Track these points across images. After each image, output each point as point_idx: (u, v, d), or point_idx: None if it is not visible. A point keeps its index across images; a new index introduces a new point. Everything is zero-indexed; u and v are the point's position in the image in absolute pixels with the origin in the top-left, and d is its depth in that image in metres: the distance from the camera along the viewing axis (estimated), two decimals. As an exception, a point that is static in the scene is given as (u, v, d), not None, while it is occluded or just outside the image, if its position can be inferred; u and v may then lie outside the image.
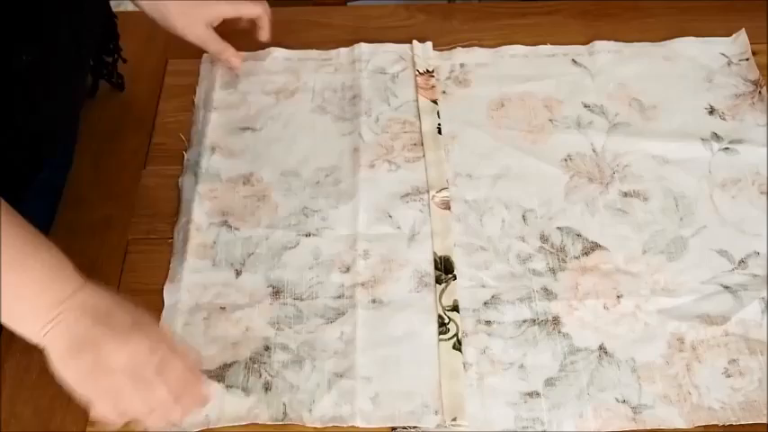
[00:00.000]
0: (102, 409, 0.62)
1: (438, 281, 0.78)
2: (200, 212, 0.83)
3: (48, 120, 0.75)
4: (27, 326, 0.61)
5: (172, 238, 0.82)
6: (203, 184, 0.86)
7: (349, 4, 1.30)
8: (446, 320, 0.76)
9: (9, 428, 0.70)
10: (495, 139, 0.90)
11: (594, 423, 0.70)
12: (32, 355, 0.73)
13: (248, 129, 0.91)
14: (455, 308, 0.76)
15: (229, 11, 0.90)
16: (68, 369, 0.60)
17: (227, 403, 0.71)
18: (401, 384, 0.72)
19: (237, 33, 1.01)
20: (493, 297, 0.78)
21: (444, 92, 0.95)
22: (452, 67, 0.98)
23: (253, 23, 0.93)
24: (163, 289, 0.78)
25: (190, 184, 0.86)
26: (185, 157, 0.89)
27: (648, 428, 0.69)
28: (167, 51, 0.99)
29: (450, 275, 0.79)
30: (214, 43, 0.91)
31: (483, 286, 0.78)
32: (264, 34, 0.93)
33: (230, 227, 0.82)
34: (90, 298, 0.61)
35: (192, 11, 0.87)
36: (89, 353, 0.60)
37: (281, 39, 1.00)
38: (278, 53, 0.98)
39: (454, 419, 0.70)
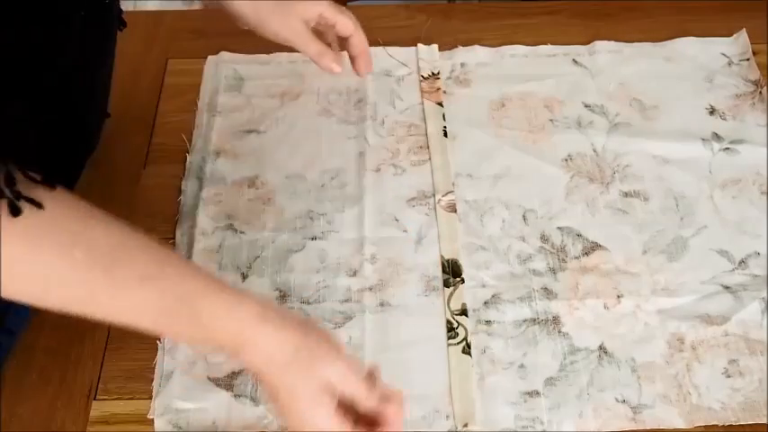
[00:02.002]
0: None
1: (446, 284, 0.78)
2: (204, 217, 0.83)
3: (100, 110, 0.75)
4: (227, 336, 0.58)
5: (173, 238, 0.82)
6: (208, 188, 0.86)
7: (349, 4, 1.30)
8: (455, 325, 0.76)
9: (9, 428, 0.70)
10: (496, 139, 0.90)
11: (594, 423, 0.70)
12: (32, 354, 0.74)
13: (253, 131, 0.91)
14: (463, 311, 0.76)
15: (329, 11, 0.80)
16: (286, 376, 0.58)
17: (235, 412, 0.71)
18: (412, 389, 0.71)
19: (237, 33, 1.01)
20: (493, 297, 0.78)
21: (445, 92, 0.95)
22: (453, 67, 0.98)
23: (342, 43, 0.84)
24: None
25: (193, 188, 0.86)
26: (188, 160, 0.89)
27: (648, 428, 0.70)
28: (167, 51, 1.00)
29: (458, 279, 0.79)
30: (313, 44, 0.80)
31: (483, 286, 0.79)
32: (364, 65, 0.83)
33: (236, 230, 0.83)
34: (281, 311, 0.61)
35: (288, 8, 0.79)
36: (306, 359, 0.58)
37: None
38: (282, 55, 0.98)
39: (465, 425, 0.70)
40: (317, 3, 0.80)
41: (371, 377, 0.60)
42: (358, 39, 0.83)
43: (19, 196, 0.52)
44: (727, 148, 0.89)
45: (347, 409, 0.59)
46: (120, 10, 0.85)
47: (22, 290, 0.56)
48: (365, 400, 0.59)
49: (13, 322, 0.74)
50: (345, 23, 0.82)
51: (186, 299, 0.57)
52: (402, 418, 0.60)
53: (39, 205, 0.53)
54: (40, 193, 0.54)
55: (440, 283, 0.79)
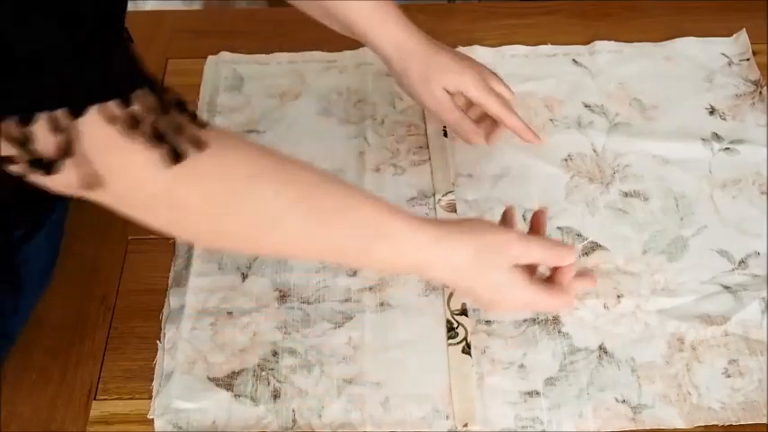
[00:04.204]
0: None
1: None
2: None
3: None
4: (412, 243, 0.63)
5: (173, 238, 0.82)
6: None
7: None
8: (455, 325, 0.76)
9: (9, 428, 0.70)
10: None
11: (594, 423, 0.70)
12: (32, 354, 0.74)
13: (253, 131, 0.92)
14: (463, 311, 0.76)
15: (475, 90, 0.81)
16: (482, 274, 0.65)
17: (235, 412, 0.71)
18: (411, 389, 0.72)
19: (237, 33, 1.02)
20: (494, 297, 0.78)
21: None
22: (453, 67, 0.98)
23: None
24: (162, 289, 0.78)
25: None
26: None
27: (648, 428, 0.70)
28: (167, 51, 1.00)
29: (458, 278, 0.79)
30: (451, 113, 0.82)
31: (484, 286, 0.79)
32: (529, 138, 0.84)
33: (236, 230, 0.83)
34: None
35: (433, 78, 0.80)
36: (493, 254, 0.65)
37: (282, 39, 1.00)
38: (282, 55, 0.98)
39: (465, 425, 0.70)
40: (465, 76, 0.81)
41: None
42: (510, 121, 0.83)
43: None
44: (727, 148, 0.89)
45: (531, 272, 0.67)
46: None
47: (239, 233, 0.58)
48: (547, 259, 0.67)
49: (11, 327, 0.74)
50: (491, 105, 0.82)
51: (382, 228, 0.62)
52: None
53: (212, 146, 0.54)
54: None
55: (439, 283, 0.79)
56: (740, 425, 0.70)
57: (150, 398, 0.72)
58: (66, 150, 0.49)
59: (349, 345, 0.75)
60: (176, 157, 0.52)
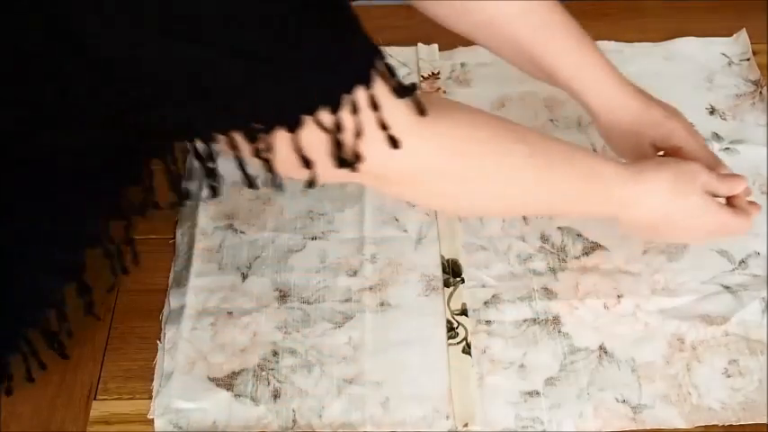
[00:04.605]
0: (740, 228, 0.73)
1: (446, 284, 0.78)
2: (204, 217, 0.83)
3: None
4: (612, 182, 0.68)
5: (173, 238, 0.82)
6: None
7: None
8: (455, 325, 0.76)
9: (9, 428, 0.70)
10: (496, 139, 0.90)
11: (594, 423, 0.70)
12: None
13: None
14: (463, 312, 0.77)
15: (667, 137, 0.75)
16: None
17: (235, 412, 0.71)
18: (411, 389, 0.72)
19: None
20: (493, 297, 0.78)
21: (445, 92, 0.95)
22: (453, 67, 0.98)
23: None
24: (162, 289, 0.79)
25: (193, 188, 0.86)
26: (188, 160, 0.89)
27: (648, 428, 0.70)
28: (168, 51, 0.99)
29: (459, 279, 0.79)
30: None
31: (483, 286, 0.79)
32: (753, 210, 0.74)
33: (236, 230, 0.83)
34: None
35: (644, 131, 0.75)
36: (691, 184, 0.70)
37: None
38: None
39: (466, 425, 0.70)
40: (674, 131, 0.75)
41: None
42: (720, 169, 0.74)
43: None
44: (727, 148, 0.89)
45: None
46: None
47: (487, 191, 0.65)
48: (725, 189, 0.72)
49: None
50: (702, 160, 0.74)
51: (596, 169, 0.68)
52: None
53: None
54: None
55: (440, 283, 0.79)
56: (740, 425, 0.70)
57: (150, 398, 0.72)
58: (360, 132, 0.54)
59: (349, 345, 0.75)
60: (421, 111, 0.56)
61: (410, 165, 0.59)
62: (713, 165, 0.74)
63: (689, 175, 0.70)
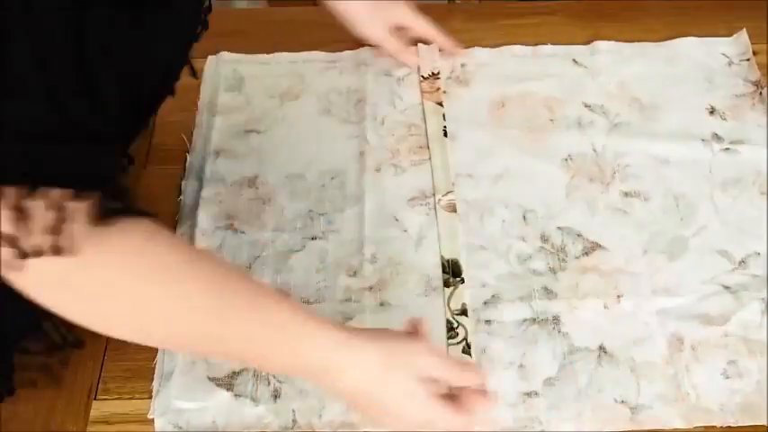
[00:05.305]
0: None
1: (446, 284, 0.78)
2: (205, 217, 0.83)
3: None
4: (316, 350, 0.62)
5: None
6: (208, 188, 0.86)
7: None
8: (455, 325, 0.76)
9: (9, 428, 0.70)
10: (496, 139, 0.90)
11: (593, 423, 0.70)
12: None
13: (253, 131, 0.92)
14: (463, 312, 0.77)
15: (409, 19, 0.97)
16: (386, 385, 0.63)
17: (235, 412, 0.71)
18: None
19: (237, 33, 1.01)
20: (493, 296, 0.78)
21: (445, 92, 0.95)
22: (453, 67, 0.98)
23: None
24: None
25: (193, 188, 0.86)
26: (187, 160, 0.89)
27: (647, 429, 0.70)
28: (168, 51, 1.00)
29: (458, 279, 0.79)
30: (392, 43, 0.96)
31: (483, 286, 0.79)
32: (447, 45, 0.98)
33: (236, 230, 0.83)
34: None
35: (376, 13, 0.95)
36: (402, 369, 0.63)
37: (282, 39, 1.00)
38: (282, 55, 0.99)
39: None
40: (400, 10, 0.96)
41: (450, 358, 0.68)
42: (438, 38, 0.97)
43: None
44: (728, 149, 0.89)
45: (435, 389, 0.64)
46: None
47: (131, 325, 0.57)
48: (451, 378, 0.65)
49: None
50: (423, 28, 0.97)
51: (284, 329, 0.60)
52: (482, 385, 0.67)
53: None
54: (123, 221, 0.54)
55: (440, 283, 0.79)
56: (739, 426, 0.70)
57: (150, 398, 0.72)
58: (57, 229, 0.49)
59: (348, 345, 0.75)
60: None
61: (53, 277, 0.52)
62: (434, 34, 0.98)
63: (404, 356, 0.63)
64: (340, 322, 0.68)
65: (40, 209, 0.48)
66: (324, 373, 0.62)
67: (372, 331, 0.65)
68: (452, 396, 0.65)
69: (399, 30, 0.97)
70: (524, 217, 0.84)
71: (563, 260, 0.80)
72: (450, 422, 0.63)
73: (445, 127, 0.91)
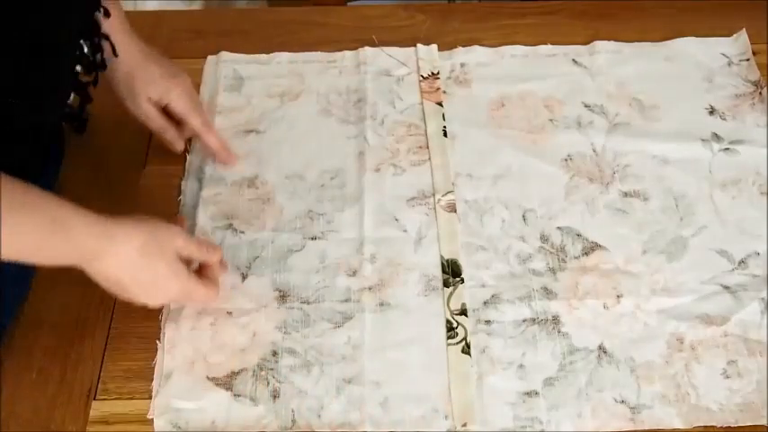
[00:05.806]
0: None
1: (446, 284, 0.78)
2: (204, 217, 0.84)
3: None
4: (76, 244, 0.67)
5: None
6: (208, 188, 0.86)
7: (349, 4, 1.30)
8: (454, 325, 0.76)
9: (9, 428, 0.70)
10: (496, 139, 0.90)
11: (593, 423, 0.70)
12: (32, 354, 0.74)
13: (252, 131, 0.92)
14: (463, 312, 0.77)
15: (178, 104, 0.86)
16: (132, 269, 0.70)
17: (234, 412, 0.71)
18: (410, 389, 0.72)
19: (237, 33, 1.02)
20: (493, 297, 0.78)
21: (445, 92, 0.95)
22: (453, 67, 0.98)
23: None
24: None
25: (193, 188, 0.86)
26: (187, 160, 0.89)
27: (647, 429, 0.70)
28: (167, 51, 0.99)
29: (458, 279, 0.79)
30: (156, 121, 0.87)
31: (483, 286, 0.79)
32: (223, 157, 0.88)
33: (235, 230, 0.83)
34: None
35: (142, 87, 0.85)
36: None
37: (282, 39, 1.00)
38: (282, 55, 0.99)
39: (464, 425, 0.70)
40: (171, 92, 0.85)
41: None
42: (209, 140, 0.87)
43: None
44: (727, 149, 0.89)
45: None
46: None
47: None
48: (200, 256, 0.75)
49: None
50: (193, 122, 0.87)
51: (61, 226, 0.65)
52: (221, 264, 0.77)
53: None
54: None
55: (439, 283, 0.79)
56: (739, 426, 0.70)
57: (150, 398, 0.72)
58: None
59: (348, 345, 0.75)
60: None
61: None
62: (202, 130, 0.86)
63: (162, 239, 0.71)
64: (119, 217, 0.71)
65: None
66: (88, 259, 0.68)
67: (136, 217, 0.71)
68: (201, 271, 0.76)
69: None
70: (524, 217, 0.84)
71: (563, 260, 0.80)
72: (203, 293, 0.74)
73: (445, 127, 0.91)
